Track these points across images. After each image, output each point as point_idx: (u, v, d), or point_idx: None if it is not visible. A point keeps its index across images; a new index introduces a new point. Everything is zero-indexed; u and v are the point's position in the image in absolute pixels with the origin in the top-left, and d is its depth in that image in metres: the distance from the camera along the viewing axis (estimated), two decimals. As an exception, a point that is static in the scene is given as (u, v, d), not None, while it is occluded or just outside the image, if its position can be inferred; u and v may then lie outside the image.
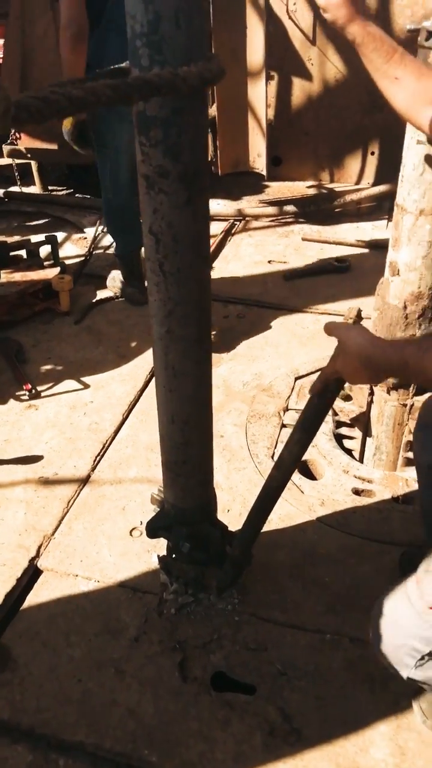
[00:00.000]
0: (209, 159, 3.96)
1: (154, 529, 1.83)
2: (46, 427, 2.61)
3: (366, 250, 3.83)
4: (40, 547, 2.10)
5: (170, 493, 1.75)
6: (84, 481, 2.35)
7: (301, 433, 1.41)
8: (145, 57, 1.09)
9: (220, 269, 3.68)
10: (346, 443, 2.51)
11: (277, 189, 4.70)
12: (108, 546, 2.10)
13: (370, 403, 2.34)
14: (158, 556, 2.02)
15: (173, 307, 1.35)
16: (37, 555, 2.08)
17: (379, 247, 3.84)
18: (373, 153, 4.65)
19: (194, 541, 1.75)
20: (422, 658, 1.31)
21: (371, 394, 2.33)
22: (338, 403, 2.42)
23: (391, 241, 2.06)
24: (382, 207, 4.39)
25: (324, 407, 1.38)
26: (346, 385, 2.34)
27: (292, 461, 1.47)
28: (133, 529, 2.16)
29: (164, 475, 1.74)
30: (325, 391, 1.38)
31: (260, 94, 4.17)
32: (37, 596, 1.96)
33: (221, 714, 1.65)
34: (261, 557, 2.02)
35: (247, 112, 4.29)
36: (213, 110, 4.14)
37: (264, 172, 4.39)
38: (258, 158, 4.32)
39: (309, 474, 2.40)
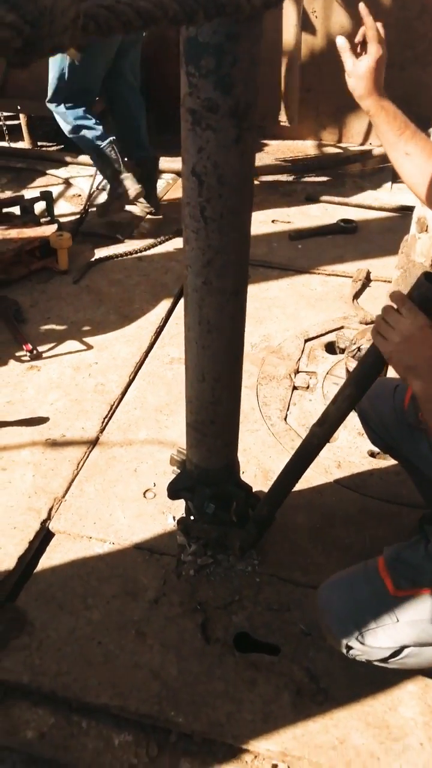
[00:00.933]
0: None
1: (176, 491, 1.78)
2: (49, 389, 2.53)
3: (371, 212, 3.75)
4: (51, 509, 2.04)
5: (195, 453, 1.69)
6: (93, 442, 2.29)
7: (353, 389, 1.34)
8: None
9: (223, 229, 3.57)
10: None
11: (277, 148, 4.58)
12: (121, 508, 2.05)
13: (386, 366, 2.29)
14: (175, 518, 1.97)
15: (213, 256, 1.28)
16: (49, 517, 2.02)
17: (385, 210, 3.78)
18: (375, 113, 4.54)
19: (218, 501, 1.71)
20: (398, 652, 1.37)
21: (388, 355, 2.28)
22: (353, 364, 2.36)
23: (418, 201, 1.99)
24: (384, 170, 4.30)
25: (380, 366, 1.31)
26: (363, 346, 2.30)
27: (339, 417, 1.41)
28: (147, 490, 2.11)
29: (189, 436, 1.68)
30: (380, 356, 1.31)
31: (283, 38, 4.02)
32: (50, 559, 1.91)
33: (247, 675, 1.63)
34: (279, 520, 1.97)
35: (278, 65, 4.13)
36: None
37: (287, 123, 4.26)
38: (284, 110, 4.19)
39: (322, 436, 2.36)
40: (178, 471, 1.84)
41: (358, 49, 1.50)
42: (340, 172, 4.18)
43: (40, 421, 2.38)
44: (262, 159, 4.35)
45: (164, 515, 2.02)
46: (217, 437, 1.64)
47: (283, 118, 4.26)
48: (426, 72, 4.34)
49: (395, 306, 1.24)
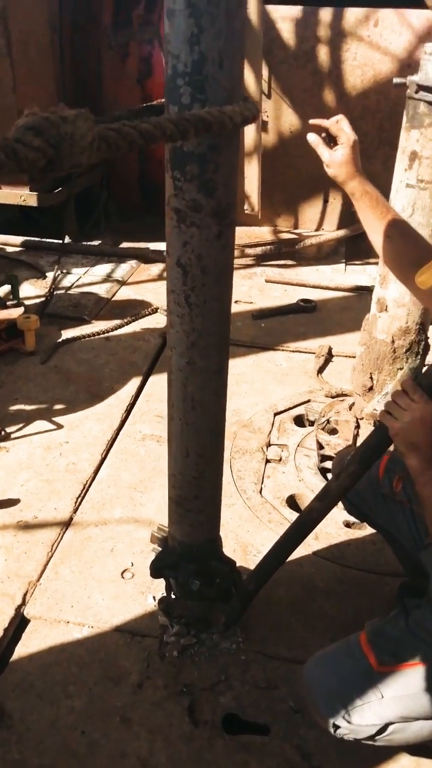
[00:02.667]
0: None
1: (159, 569, 1.77)
2: (19, 470, 2.50)
3: (329, 292, 3.96)
4: (25, 594, 1.98)
5: (178, 529, 1.70)
6: (66, 523, 2.26)
7: (357, 466, 1.40)
8: (187, 95, 1.11)
9: (187, 309, 3.70)
10: (330, 477, 2.53)
11: (237, 234, 4.82)
12: (99, 589, 2.01)
13: (356, 436, 2.38)
14: (155, 597, 1.95)
15: (196, 339, 1.36)
16: (23, 603, 1.96)
17: (340, 290, 3.99)
18: (328, 201, 4.88)
19: (202, 577, 1.70)
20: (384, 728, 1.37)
21: (357, 427, 2.37)
22: (323, 437, 2.44)
23: (378, 279, 2.15)
24: (338, 252, 4.58)
25: (386, 446, 1.40)
26: (332, 418, 2.39)
27: (340, 493, 1.46)
28: (125, 570, 2.08)
29: (171, 511, 1.69)
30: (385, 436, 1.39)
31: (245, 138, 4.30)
32: (26, 646, 1.84)
33: (238, 758, 1.58)
34: (260, 594, 1.97)
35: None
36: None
37: (256, 213, 4.48)
38: (247, 200, 4.44)
39: (297, 508, 2.40)
40: (159, 549, 1.83)
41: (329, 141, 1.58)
42: (296, 256, 4.42)
43: (10, 503, 2.34)
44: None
45: (144, 595, 1.99)
46: (201, 512, 1.66)
47: (247, 207, 4.53)
48: (371, 164, 4.70)
49: (408, 392, 1.36)
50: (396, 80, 1.94)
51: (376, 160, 4.73)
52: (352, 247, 4.66)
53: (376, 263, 4.55)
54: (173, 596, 1.82)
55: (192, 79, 1.10)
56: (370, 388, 2.24)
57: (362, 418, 2.34)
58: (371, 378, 2.23)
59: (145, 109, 1.25)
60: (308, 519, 1.53)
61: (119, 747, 1.59)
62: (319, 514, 1.51)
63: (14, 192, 4.23)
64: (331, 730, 1.38)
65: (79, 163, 0.75)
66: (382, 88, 4.48)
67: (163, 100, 1.21)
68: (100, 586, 2.02)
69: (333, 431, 2.48)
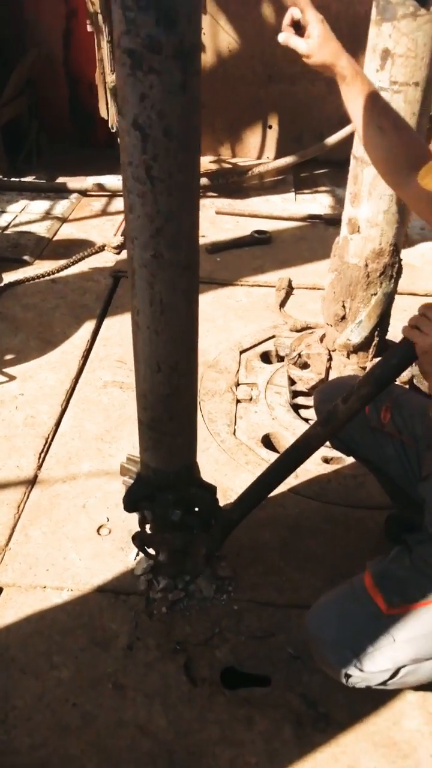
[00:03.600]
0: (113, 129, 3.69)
1: (134, 502, 1.60)
2: (-28, 427, 2.29)
3: (282, 223, 3.77)
4: (-6, 561, 1.83)
5: (152, 456, 1.52)
6: (31, 481, 2.08)
7: (371, 388, 1.24)
8: None
9: (137, 246, 3.46)
10: (303, 413, 2.43)
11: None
12: (75, 549, 1.87)
13: (328, 369, 2.28)
14: (138, 553, 1.83)
15: (162, 224, 1.11)
16: (-7, 570, 1.80)
17: (294, 220, 3.82)
18: (270, 126, 4.63)
19: (182, 507, 1.55)
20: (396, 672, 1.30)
21: (330, 359, 2.27)
22: (295, 372, 2.33)
23: (348, 197, 1.99)
24: (286, 181, 4.37)
25: (406, 365, 1.25)
26: (303, 352, 2.27)
27: (347, 417, 1.31)
28: (100, 527, 1.94)
29: (144, 437, 1.51)
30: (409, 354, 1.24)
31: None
32: (1, 617, 1.70)
33: (241, 713, 1.51)
34: (246, 540, 1.89)
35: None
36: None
37: None
38: None
39: (272, 448, 2.30)
40: (130, 481, 1.65)
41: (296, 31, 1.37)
42: (243, 186, 4.19)
43: (-34, 464, 2.14)
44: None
45: (124, 551, 1.86)
46: (176, 435, 1.48)
47: None
48: (315, 86, 4.46)
49: None
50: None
51: (320, 82, 4.49)
52: (300, 175, 4.47)
53: (327, 191, 4.39)
54: (147, 531, 1.68)
55: None
56: (343, 318, 2.12)
57: (334, 350, 2.23)
58: (343, 306, 2.10)
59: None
60: (308, 445, 1.39)
61: (115, 716, 1.49)
62: (321, 440, 1.38)
63: None
64: (343, 680, 1.31)
65: None
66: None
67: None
68: (75, 545, 1.88)
69: (304, 365, 2.37)
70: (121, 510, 1.96)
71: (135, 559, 1.83)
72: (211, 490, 1.61)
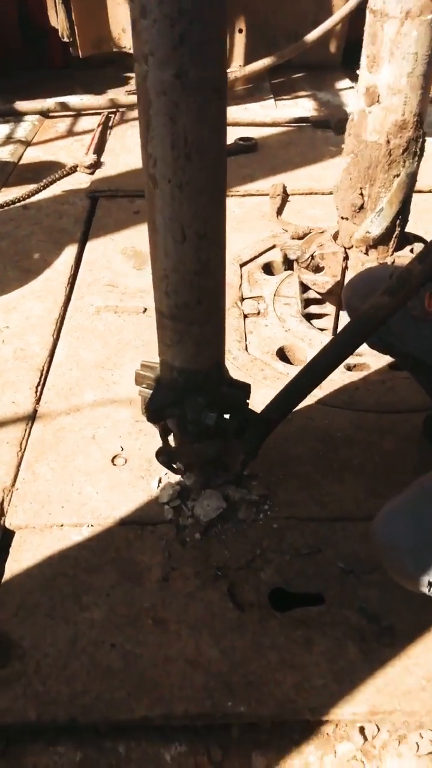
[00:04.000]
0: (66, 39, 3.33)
1: (159, 410, 1.40)
2: (-43, 366, 2.06)
3: (266, 129, 3.49)
4: (2, 503, 1.64)
5: (177, 353, 1.31)
6: (31, 417, 1.88)
7: (393, 298, 1.06)
8: None
9: (112, 164, 3.16)
10: (317, 323, 2.24)
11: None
12: (90, 482, 1.69)
13: (345, 269, 2.07)
14: (161, 480, 1.66)
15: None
16: (2, 513, 1.62)
17: (279, 125, 3.54)
18: (241, 30, 4.26)
19: (215, 409, 1.35)
20: None
21: (346, 258, 2.06)
22: (308, 276, 2.12)
23: (365, 62, 1.74)
24: (262, 87, 4.05)
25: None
26: (317, 253, 2.06)
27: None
28: (115, 456, 1.76)
29: (165, 333, 1.29)
30: None
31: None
32: (18, 561, 1.52)
33: (298, 635, 1.37)
34: (275, 455, 1.73)
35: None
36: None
37: None
38: (124, 33, 3.74)
39: (288, 360, 2.12)
40: (148, 391, 1.44)
41: None
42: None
43: None
44: (130, 91, 3.94)
45: (144, 480, 1.69)
46: (204, 323, 1.25)
47: (128, 43, 3.82)
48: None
49: None
50: None
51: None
52: (277, 81, 4.15)
53: (307, 95, 4.08)
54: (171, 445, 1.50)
55: None
56: (361, 207, 1.91)
57: (351, 247, 2.02)
58: (361, 194, 1.89)
59: None
60: (371, 320, 1.19)
61: (160, 652, 1.34)
62: (388, 313, 1.18)
63: None
64: (425, 589, 1.16)
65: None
66: None
67: None
68: (90, 478, 1.70)
69: (317, 269, 2.15)
70: (135, 438, 1.80)
71: (158, 486, 1.66)
72: (245, 387, 1.41)
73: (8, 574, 1.50)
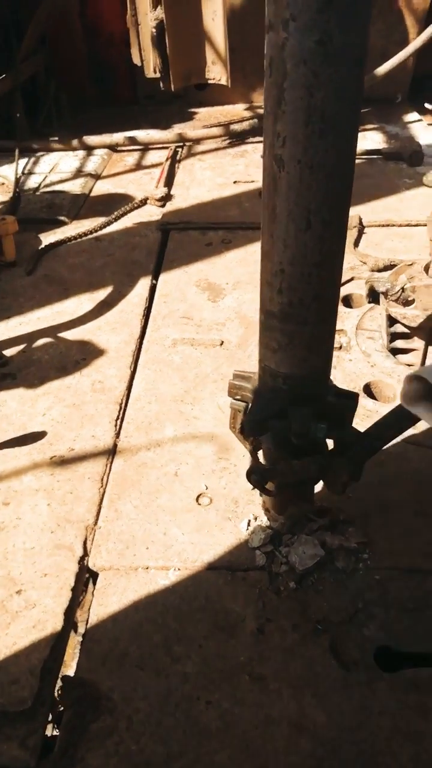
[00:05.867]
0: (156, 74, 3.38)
1: (259, 422, 1.28)
2: (36, 398, 2.03)
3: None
4: (85, 542, 1.58)
5: (284, 358, 1.20)
6: (111, 451, 1.83)
7: None
8: None
9: (182, 196, 3.17)
10: (403, 358, 2.15)
11: (208, 114, 4.21)
12: (175, 523, 1.61)
13: (435, 303, 1.98)
14: (250, 522, 1.57)
15: None
16: (86, 553, 1.55)
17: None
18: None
19: (325, 421, 1.24)
20: None
21: (437, 291, 1.97)
22: (397, 310, 2.04)
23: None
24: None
25: None
26: (408, 285, 1.98)
27: None
28: (200, 495, 1.68)
29: (271, 336, 1.18)
30: None
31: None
32: (104, 606, 1.45)
33: (411, 699, 1.25)
34: (371, 500, 1.63)
35: (201, 15, 3.68)
36: (160, 13, 3.48)
37: (225, 81, 3.80)
38: (213, 66, 3.77)
39: (374, 398, 2.03)
40: (242, 404, 1.34)
41: None
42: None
43: (35, 437, 1.89)
44: (195, 126, 3.98)
45: (231, 522, 1.61)
46: (319, 323, 1.14)
47: (214, 75, 3.86)
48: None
49: None
50: None
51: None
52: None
53: (375, 128, 4.04)
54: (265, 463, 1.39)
55: None
56: (456, 240, 1.84)
57: (443, 281, 1.94)
58: (458, 225, 1.82)
59: None
60: None
61: (261, 713, 1.24)
62: None
63: None
64: None
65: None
66: None
67: None
68: (175, 518, 1.62)
69: (407, 302, 2.07)
70: (219, 476, 1.72)
71: (247, 528, 1.58)
72: (354, 397, 1.29)
73: (94, 618, 1.42)
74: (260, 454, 1.39)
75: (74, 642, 1.47)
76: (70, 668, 1.40)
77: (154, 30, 3.14)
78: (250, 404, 1.33)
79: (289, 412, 1.23)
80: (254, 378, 1.33)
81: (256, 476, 1.35)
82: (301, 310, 1.10)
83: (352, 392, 1.31)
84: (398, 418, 1.27)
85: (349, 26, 0.82)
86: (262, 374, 1.28)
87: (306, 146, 0.91)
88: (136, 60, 3.41)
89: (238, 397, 1.34)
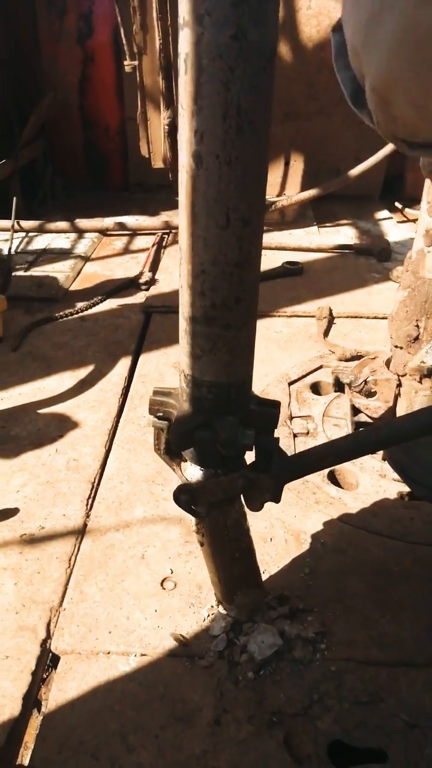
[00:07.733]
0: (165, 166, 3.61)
1: (186, 434, 1.23)
2: (10, 473, 2.08)
3: (311, 254, 3.67)
4: (49, 624, 1.60)
5: (208, 365, 1.16)
6: (81, 531, 1.87)
7: None
8: None
9: (166, 281, 3.33)
10: (367, 446, 2.24)
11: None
12: (139, 607, 1.64)
13: (396, 396, 2.10)
14: (213, 606, 1.60)
15: None
16: (48, 635, 1.57)
17: (323, 251, 3.72)
18: (288, 163, 4.59)
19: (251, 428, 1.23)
20: None
21: (399, 385, 2.09)
22: (360, 401, 2.15)
23: (425, 206, 1.85)
24: (306, 215, 4.29)
25: None
26: (370, 379, 2.10)
27: None
28: (164, 579, 1.72)
29: (194, 342, 1.14)
30: None
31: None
32: (63, 691, 1.46)
33: (361, 798, 1.26)
34: (331, 589, 1.67)
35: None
36: (172, 113, 3.74)
37: None
38: None
39: (339, 484, 2.10)
40: (162, 422, 1.29)
41: None
42: (265, 221, 4.11)
43: (7, 513, 1.93)
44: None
45: (193, 607, 1.64)
46: (242, 326, 1.12)
47: None
48: (331, 122, 4.45)
49: None
50: None
51: (336, 118, 4.48)
52: (319, 210, 4.40)
53: (349, 224, 4.31)
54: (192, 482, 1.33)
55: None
56: (416, 338, 1.96)
57: (404, 375, 2.06)
58: (417, 326, 1.95)
59: None
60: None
61: (213, 807, 1.24)
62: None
63: None
64: None
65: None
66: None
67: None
68: (138, 602, 1.65)
69: (370, 394, 2.18)
70: (185, 560, 1.77)
71: (208, 615, 1.61)
72: (276, 405, 1.28)
73: (53, 704, 1.43)
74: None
75: (36, 723, 1.46)
76: (29, 749, 1.39)
77: (166, 127, 3.39)
78: (173, 420, 1.29)
79: (216, 422, 1.22)
80: (176, 392, 1.31)
81: (185, 496, 1.32)
82: (225, 312, 1.10)
83: (274, 401, 1.31)
84: (309, 456, 1.34)
85: (262, 21, 0.86)
86: (185, 386, 1.25)
87: (224, 141, 0.93)
88: (144, 152, 3.67)
89: (160, 414, 1.30)
